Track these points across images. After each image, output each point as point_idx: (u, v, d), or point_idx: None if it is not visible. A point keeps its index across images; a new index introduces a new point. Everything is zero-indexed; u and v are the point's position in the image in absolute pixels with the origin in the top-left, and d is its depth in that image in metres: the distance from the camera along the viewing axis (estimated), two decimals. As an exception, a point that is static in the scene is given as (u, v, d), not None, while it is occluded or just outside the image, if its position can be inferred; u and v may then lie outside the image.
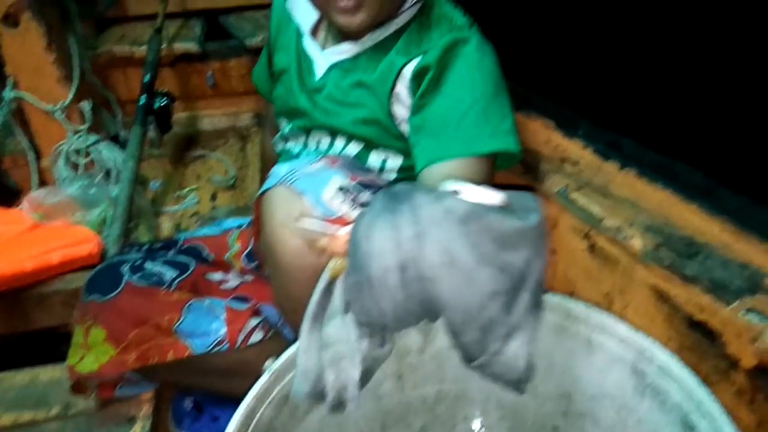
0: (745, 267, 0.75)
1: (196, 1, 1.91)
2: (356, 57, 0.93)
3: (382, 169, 0.94)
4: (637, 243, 0.82)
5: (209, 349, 0.94)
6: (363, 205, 0.74)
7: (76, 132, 1.53)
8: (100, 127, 1.61)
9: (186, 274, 1.02)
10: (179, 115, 1.85)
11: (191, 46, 1.78)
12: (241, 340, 0.96)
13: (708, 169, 0.88)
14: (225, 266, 1.12)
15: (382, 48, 0.91)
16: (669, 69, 1.32)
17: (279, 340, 0.98)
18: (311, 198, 0.73)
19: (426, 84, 0.85)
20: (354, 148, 0.94)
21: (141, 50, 1.68)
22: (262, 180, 0.84)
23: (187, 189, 1.68)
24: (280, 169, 0.79)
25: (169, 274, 1.01)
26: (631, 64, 1.36)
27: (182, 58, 1.79)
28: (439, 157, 0.83)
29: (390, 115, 0.90)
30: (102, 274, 1.00)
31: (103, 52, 1.71)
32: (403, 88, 0.88)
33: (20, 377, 1.04)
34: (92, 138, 1.54)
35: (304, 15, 0.99)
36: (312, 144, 1.00)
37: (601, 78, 1.33)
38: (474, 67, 0.86)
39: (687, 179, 0.89)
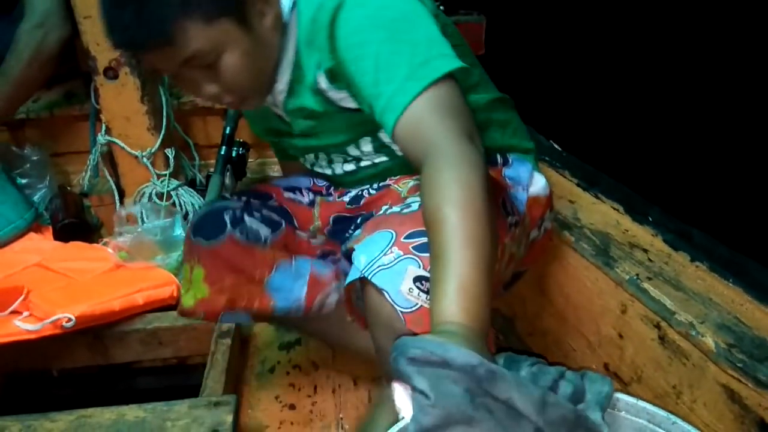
0: (819, 375, 0.77)
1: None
2: (290, 95, 0.98)
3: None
4: (709, 342, 0.85)
5: (288, 310, 1.09)
6: None
7: (159, 176, 1.64)
8: (180, 172, 1.71)
9: (278, 233, 1.11)
10: (250, 162, 1.95)
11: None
12: (318, 306, 1.10)
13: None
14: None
15: (298, 76, 0.96)
16: (740, 165, 1.35)
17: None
18: (390, 294, 0.79)
19: (342, 79, 0.88)
20: (367, 145, 1.01)
21: (222, 101, 1.79)
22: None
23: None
24: (358, 258, 0.84)
25: (264, 232, 1.09)
26: (704, 155, 1.40)
27: (259, 109, 1.90)
28: (393, 116, 0.81)
29: (342, 109, 0.94)
30: (207, 218, 1.10)
31: (186, 101, 1.83)
32: (332, 92, 0.93)
33: (106, 415, 1.11)
34: (174, 183, 1.65)
35: None
36: (333, 163, 1.09)
37: (674, 166, 1.37)
38: (358, 26, 0.84)
39: (759, 278, 0.91)
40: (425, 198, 0.75)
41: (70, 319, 1.21)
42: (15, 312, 1.28)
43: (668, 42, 1.63)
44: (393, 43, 0.83)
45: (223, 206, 1.10)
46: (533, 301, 1.27)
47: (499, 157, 1.04)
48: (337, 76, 0.90)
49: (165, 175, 1.64)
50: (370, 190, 1.10)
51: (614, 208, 1.14)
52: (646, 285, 0.97)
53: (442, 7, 1.74)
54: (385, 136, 0.99)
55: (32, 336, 1.22)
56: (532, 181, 1.04)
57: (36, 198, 1.73)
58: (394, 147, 1.01)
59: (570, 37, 1.97)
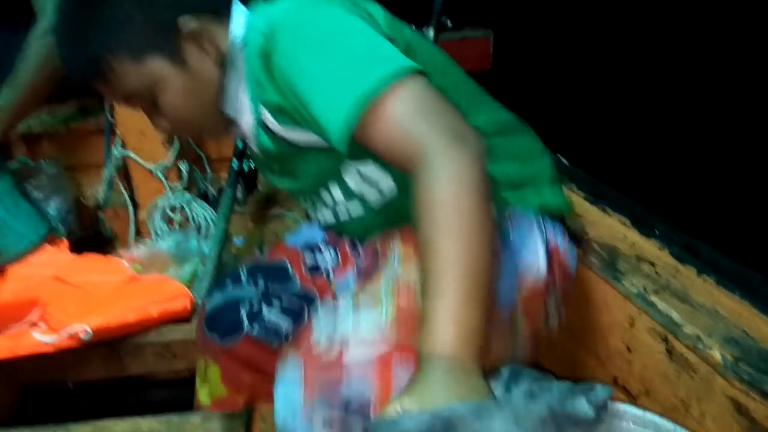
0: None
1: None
2: (256, 135, 0.92)
3: (371, 184, 0.92)
4: (716, 355, 0.86)
5: None
6: None
7: (172, 189, 1.66)
8: (192, 185, 1.74)
9: (300, 323, 1.05)
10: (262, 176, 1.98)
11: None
12: None
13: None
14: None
15: (256, 114, 0.90)
16: (747, 178, 1.37)
17: None
18: None
19: (289, 114, 0.82)
20: (336, 192, 0.95)
21: (234, 115, 1.83)
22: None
23: (267, 246, 1.78)
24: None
25: (285, 324, 1.04)
26: (710, 169, 1.42)
27: (270, 123, 1.93)
28: (338, 141, 0.74)
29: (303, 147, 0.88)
30: (222, 313, 1.05)
31: (199, 115, 1.86)
32: (281, 130, 0.86)
33: (121, 426, 1.13)
34: (187, 196, 1.68)
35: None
36: (317, 210, 1.03)
37: (680, 179, 1.39)
38: (290, 59, 0.78)
39: (765, 291, 0.92)
40: (416, 220, 0.70)
41: (86, 332, 1.23)
42: (32, 324, 1.31)
43: (675, 54, 1.65)
44: (329, 57, 0.76)
45: (239, 297, 1.05)
46: (542, 313, 1.29)
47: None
48: (283, 109, 0.83)
49: (178, 188, 1.67)
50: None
51: (621, 222, 1.15)
52: (653, 298, 0.98)
53: (449, 23, 1.77)
54: (351, 180, 0.92)
55: (49, 348, 1.25)
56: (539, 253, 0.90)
57: (51, 211, 1.75)
58: (365, 193, 0.94)
59: (576, 51, 1.99)
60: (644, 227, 1.12)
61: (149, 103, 0.87)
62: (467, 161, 0.68)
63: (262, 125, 0.89)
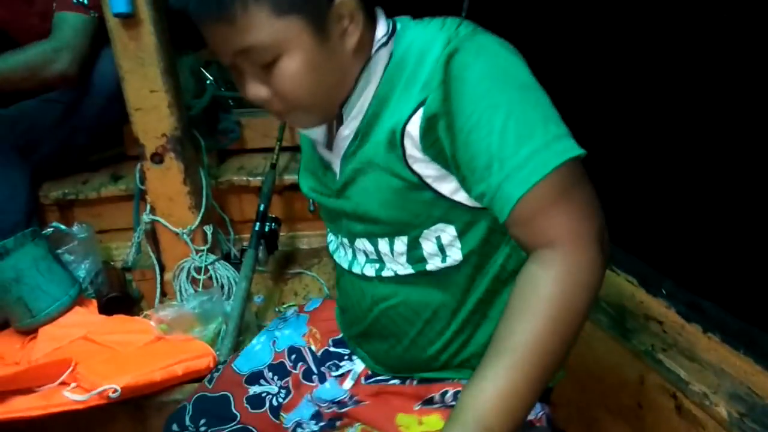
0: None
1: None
2: (356, 143, 0.84)
3: (442, 250, 0.84)
4: (723, 411, 0.89)
5: None
6: None
7: (197, 252, 1.74)
8: (216, 246, 1.82)
9: None
10: (282, 236, 2.05)
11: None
12: None
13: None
14: None
15: (372, 123, 0.82)
16: (749, 238, 1.41)
17: None
18: None
19: (443, 134, 0.74)
20: (400, 245, 0.85)
21: (256, 180, 1.92)
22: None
23: (286, 305, 1.84)
24: None
25: None
26: (713, 229, 1.46)
27: (290, 187, 2.02)
28: (511, 196, 0.70)
29: (417, 184, 0.79)
30: None
31: (223, 180, 1.96)
32: (415, 150, 0.78)
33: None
34: (211, 257, 1.75)
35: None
36: (356, 254, 0.94)
37: (685, 238, 1.43)
38: (483, 78, 0.72)
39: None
40: (519, 290, 0.71)
41: (116, 390, 1.28)
42: (63, 383, 1.36)
43: (675, 102, 1.71)
44: (526, 106, 0.71)
45: None
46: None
47: None
48: (434, 127, 0.75)
49: (203, 250, 1.74)
50: (357, 397, 0.96)
51: (629, 281, 1.20)
52: (661, 356, 1.02)
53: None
54: (428, 245, 0.84)
55: (80, 406, 1.29)
56: None
57: (81, 273, 1.83)
58: (430, 266, 0.85)
59: (576, 111, 2.06)
60: (651, 286, 1.17)
61: (261, 64, 0.77)
62: (598, 269, 0.70)
63: (388, 137, 0.79)
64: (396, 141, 0.78)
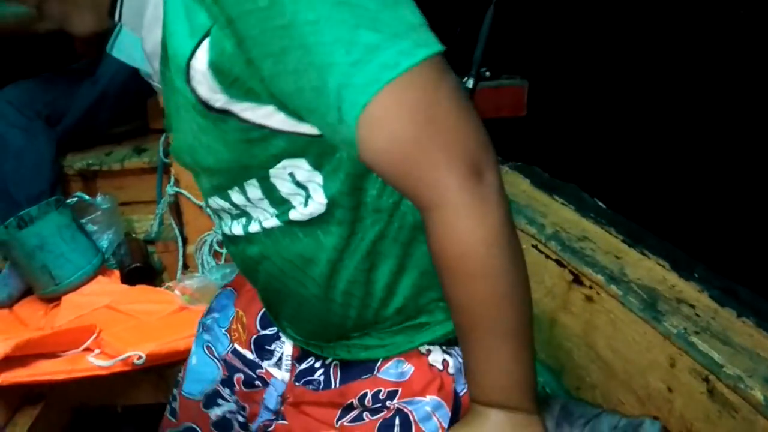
0: None
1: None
2: (164, 65, 0.67)
3: (302, 187, 0.68)
4: (758, 395, 0.88)
5: None
6: None
7: (220, 225, 1.74)
8: (238, 222, 1.82)
9: None
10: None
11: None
12: None
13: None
14: None
15: (168, 38, 0.63)
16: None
17: None
18: None
19: (239, 68, 0.58)
20: (253, 191, 0.70)
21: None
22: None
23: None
24: None
25: None
26: (748, 213, 1.44)
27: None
28: (348, 127, 0.57)
29: (232, 125, 0.63)
30: None
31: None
32: (211, 92, 0.61)
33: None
34: (233, 232, 1.75)
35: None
36: (221, 213, 0.78)
37: (718, 223, 1.41)
38: None
39: (805, 334, 0.94)
40: (439, 273, 0.64)
41: (140, 357, 1.29)
42: (87, 349, 1.38)
43: (711, 99, 1.70)
44: (333, 5, 0.55)
45: None
46: (580, 354, 1.31)
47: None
48: (227, 67, 0.58)
49: (225, 224, 1.74)
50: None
51: (660, 264, 1.18)
52: (694, 339, 1.00)
53: (488, 74, 1.85)
54: (283, 185, 0.68)
55: (104, 372, 1.31)
56: None
57: (104, 243, 1.84)
58: (295, 213, 0.69)
59: (612, 95, 2.05)
60: (683, 270, 1.15)
61: None
62: (489, 205, 0.59)
63: (182, 67, 0.61)
64: (185, 77, 0.61)
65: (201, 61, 0.60)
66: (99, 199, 1.87)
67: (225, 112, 0.63)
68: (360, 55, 0.54)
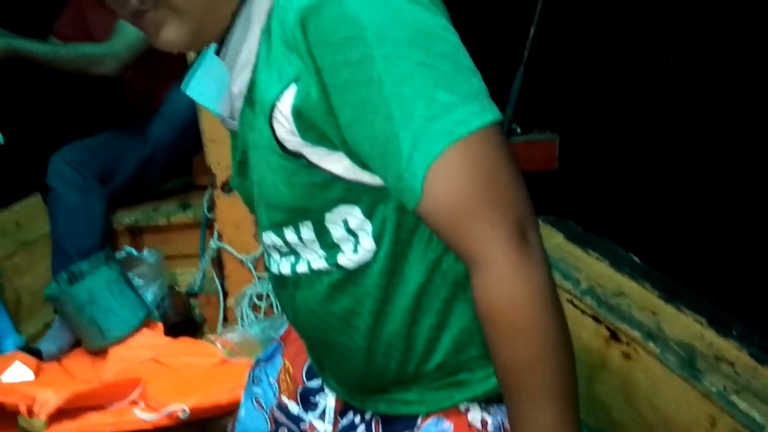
0: None
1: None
2: (248, 106, 0.72)
3: (352, 234, 0.72)
4: (804, 457, 0.86)
5: None
6: None
7: (260, 278, 1.80)
8: (277, 275, 1.87)
9: None
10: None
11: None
12: None
13: None
14: None
15: (256, 84, 0.69)
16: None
17: None
18: None
19: (321, 116, 0.64)
20: (307, 232, 0.73)
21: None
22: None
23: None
24: None
25: None
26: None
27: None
28: (415, 177, 0.61)
29: (303, 164, 0.68)
30: None
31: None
32: (290, 134, 0.66)
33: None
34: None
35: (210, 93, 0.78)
36: (271, 250, 0.80)
37: (756, 279, 1.40)
38: (364, 41, 0.60)
39: None
40: (484, 332, 0.65)
41: (184, 410, 1.33)
42: (133, 402, 1.42)
43: (743, 151, 1.70)
44: (413, 65, 0.60)
45: None
46: (620, 412, 1.30)
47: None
48: (307, 113, 0.64)
49: (265, 277, 1.80)
50: None
51: (698, 321, 1.18)
52: (734, 398, 1.00)
53: (519, 129, 1.90)
54: (336, 230, 0.72)
55: (149, 426, 1.35)
56: None
57: (149, 296, 1.91)
58: (344, 259, 0.73)
59: (644, 149, 2.07)
60: (721, 327, 1.15)
61: None
62: (534, 267, 0.62)
63: (267, 111, 0.67)
64: (268, 118, 0.67)
65: (286, 104, 0.65)
66: (146, 253, 1.95)
67: (296, 155, 0.68)
68: (437, 111, 0.60)
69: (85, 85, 2.18)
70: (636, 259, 1.44)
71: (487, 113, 0.61)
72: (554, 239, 1.58)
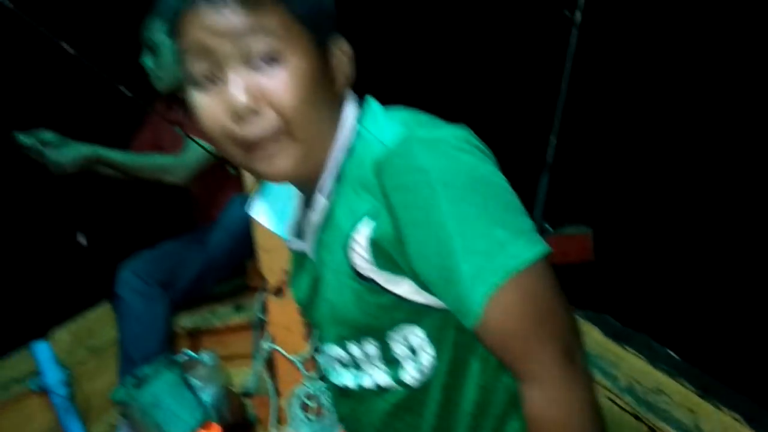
0: None
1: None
2: (325, 233, 0.82)
3: (414, 352, 0.80)
4: None
5: None
6: None
7: (310, 379, 1.88)
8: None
9: None
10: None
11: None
12: None
13: None
14: None
15: (332, 217, 0.81)
16: None
17: None
18: None
19: (393, 247, 0.73)
20: (371, 348, 0.82)
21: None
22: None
23: None
24: None
25: None
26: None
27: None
28: (475, 304, 0.70)
29: (373, 288, 0.77)
30: None
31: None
32: (364, 262, 0.77)
33: None
34: (321, 384, 1.88)
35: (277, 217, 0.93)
36: (331, 364, 0.90)
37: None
38: (423, 187, 0.70)
39: None
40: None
41: None
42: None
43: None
44: (471, 207, 0.71)
45: None
46: None
47: None
48: (387, 248, 0.74)
49: (314, 377, 1.88)
50: None
51: (735, 419, 1.20)
52: (774, 499, 1.01)
53: (549, 228, 1.99)
54: (398, 347, 0.81)
55: None
56: None
57: (206, 398, 2.00)
58: (407, 376, 0.82)
59: (679, 243, 2.11)
60: (758, 424, 1.16)
61: (259, 55, 0.71)
62: (581, 386, 0.72)
63: (344, 242, 0.77)
64: (345, 247, 0.77)
65: (363, 235, 0.75)
66: (204, 355, 2.06)
67: (368, 279, 0.78)
68: (494, 247, 0.70)
69: (153, 196, 2.42)
70: (673, 354, 1.47)
71: (537, 246, 0.71)
72: (593, 335, 1.62)
